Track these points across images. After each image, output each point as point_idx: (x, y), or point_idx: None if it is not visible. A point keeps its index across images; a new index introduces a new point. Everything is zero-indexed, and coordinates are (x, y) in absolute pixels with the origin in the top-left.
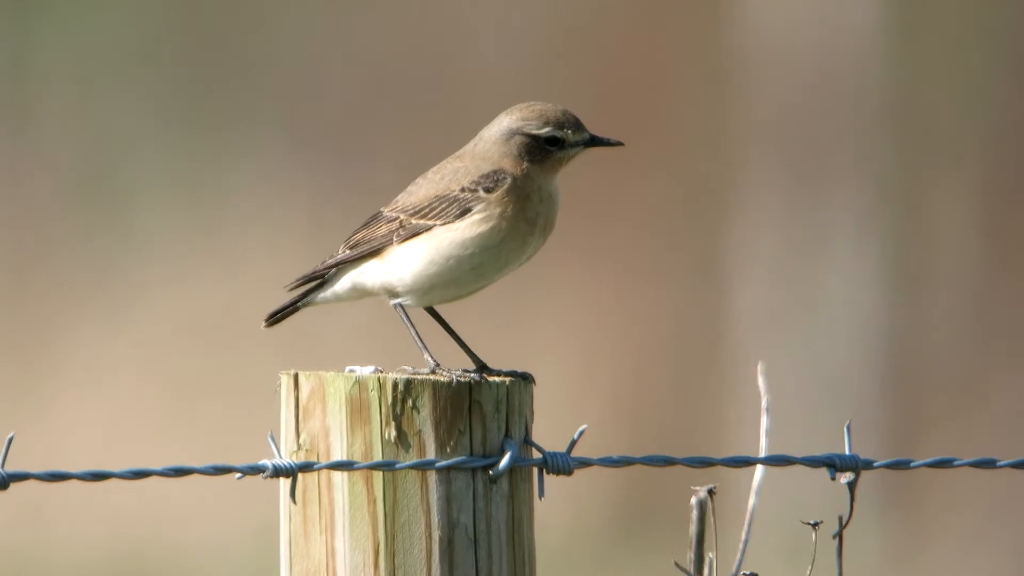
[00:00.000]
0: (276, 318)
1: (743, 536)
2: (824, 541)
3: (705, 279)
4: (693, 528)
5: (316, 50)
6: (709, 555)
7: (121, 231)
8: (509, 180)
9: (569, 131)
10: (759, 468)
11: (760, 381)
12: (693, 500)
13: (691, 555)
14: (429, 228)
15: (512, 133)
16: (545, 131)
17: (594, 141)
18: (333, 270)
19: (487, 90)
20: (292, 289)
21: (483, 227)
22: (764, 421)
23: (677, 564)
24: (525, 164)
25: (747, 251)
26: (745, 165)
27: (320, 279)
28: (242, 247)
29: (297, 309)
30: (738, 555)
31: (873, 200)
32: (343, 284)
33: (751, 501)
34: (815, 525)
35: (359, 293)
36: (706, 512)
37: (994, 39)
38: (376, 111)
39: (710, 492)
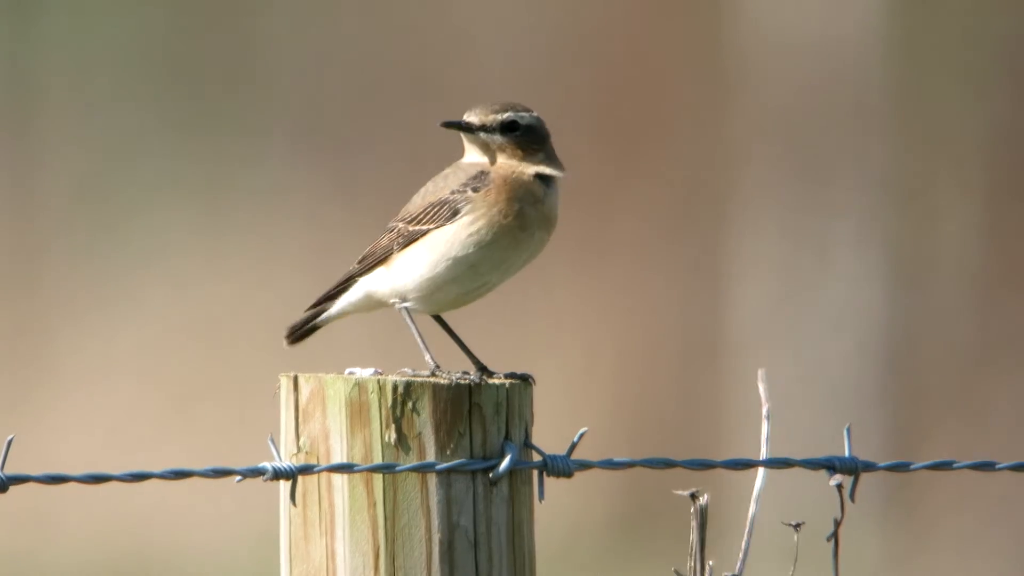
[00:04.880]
0: (298, 335)
1: (743, 544)
2: (822, 544)
3: (706, 280)
4: (694, 536)
5: (317, 53)
6: (709, 563)
7: (121, 233)
8: (493, 177)
9: (469, 115)
10: (760, 474)
11: (761, 388)
12: (693, 509)
13: (692, 564)
14: (425, 232)
15: None
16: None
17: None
18: (347, 284)
19: (488, 93)
20: (312, 308)
21: (472, 226)
22: (765, 428)
23: (677, 572)
24: (503, 158)
25: (748, 252)
26: (746, 166)
27: (336, 295)
28: (242, 249)
29: (318, 327)
30: (738, 564)
31: (874, 201)
32: (356, 294)
33: (751, 509)
34: (796, 527)
35: (373, 303)
36: (706, 519)
37: (994, 39)
38: (377, 115)
39: (693, 496)
